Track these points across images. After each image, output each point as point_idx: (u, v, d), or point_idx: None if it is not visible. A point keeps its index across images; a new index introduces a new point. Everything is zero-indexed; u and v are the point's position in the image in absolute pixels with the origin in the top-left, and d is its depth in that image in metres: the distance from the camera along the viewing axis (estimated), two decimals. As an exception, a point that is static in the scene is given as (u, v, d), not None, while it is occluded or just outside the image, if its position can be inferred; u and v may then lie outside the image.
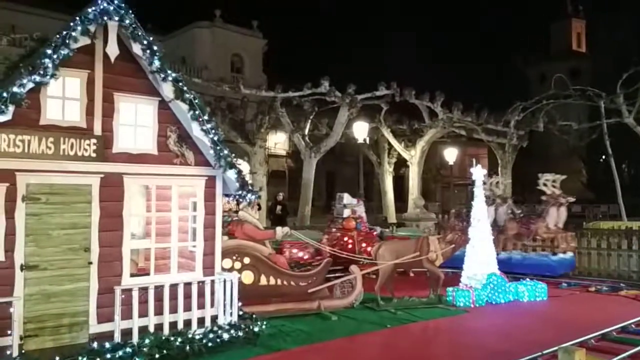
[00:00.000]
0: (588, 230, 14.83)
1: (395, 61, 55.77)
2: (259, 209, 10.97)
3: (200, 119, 6.72)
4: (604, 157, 24.02)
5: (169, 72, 6.65)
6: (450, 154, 27.76)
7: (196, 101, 6.76)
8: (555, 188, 13.31)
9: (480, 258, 10.34)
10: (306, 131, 20.15)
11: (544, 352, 6.23)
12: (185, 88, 6.74)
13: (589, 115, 26.97)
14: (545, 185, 13.42)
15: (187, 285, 6.83)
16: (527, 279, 10.85)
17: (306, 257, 11.65)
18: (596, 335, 7.28)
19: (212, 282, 7.04)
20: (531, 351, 6.34)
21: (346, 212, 13.72)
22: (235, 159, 7.12)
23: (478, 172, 10.75)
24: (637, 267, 12.76)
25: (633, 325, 7.91)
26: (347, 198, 14.40)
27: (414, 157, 23.09)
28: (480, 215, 10.58)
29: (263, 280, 8.60)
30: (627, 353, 6.41)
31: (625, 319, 8.15)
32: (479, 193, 10.72)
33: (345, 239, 12.67)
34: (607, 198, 28.02)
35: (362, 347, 7.23)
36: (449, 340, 7.74)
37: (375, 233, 13.82)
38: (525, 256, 13.17)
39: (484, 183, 13.90)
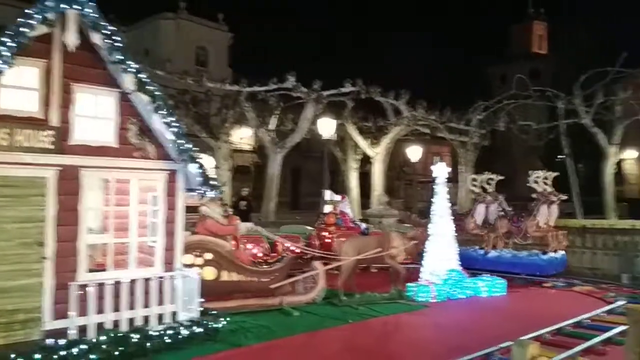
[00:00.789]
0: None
1: (361, 58, 56.06)
2: (222, 204, 10.86)
3: (162, 112, 6.62)
4: (561, 156, 24.69)
5: (130, 63, 6.52)
6: (414, 152, 28.07)
7: (158, 93, 6.65)
8: (547, 185, 12.97)
9: (441, 254, 10.51)
10: (271, 126, 20.04)
11: (501, 345, 6.37)
12: (146, 80, 6.62)
13: (547, 115, 27.67)
14: (536, 182, 13.08)
15: (146, 281, 6.73)
16: (487, 275, 11.08)
17: (260, 254, 11.52)
18: (551, 329, 7.48)
19: (172, 277, 6.95)
20: (489, 345, 6.48)
21: (327, 208, 13.89)
22: (197, 153, 7.03)
23: (440, 170, 10.90)
24: (590, 264, 13.22)
25: (587, 320, 8.16)
26: (329, 195, 14.70)
27: (378, 154, 23.25)
28: (442, 212, 10.74)
29: (225, 276, 8.53)
30: (580, 347, 6.60)
31: (579, 313, 8.41)
32: (441, 190, 10.88)
33: (324, 234, 12.92)
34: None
35: (323, 343, 7.26)
36: (409, 335, 7.85)
37: (361, 229, 13.88)
38: (515, 255, 12.94)
39: (475, 180, 14.09)
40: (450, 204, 11.04)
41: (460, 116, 23.87)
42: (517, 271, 12.29)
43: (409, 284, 10.04)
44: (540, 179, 13.07)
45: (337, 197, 14.65)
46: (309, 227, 14.16)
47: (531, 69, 48.68)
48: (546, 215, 12.71)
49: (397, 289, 10.02)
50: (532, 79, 29.68)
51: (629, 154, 33.72)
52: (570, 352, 6.39)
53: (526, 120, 25.42)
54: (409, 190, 42.76)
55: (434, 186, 11.09)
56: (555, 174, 13.40)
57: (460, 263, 12.53)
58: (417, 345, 7.28)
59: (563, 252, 12.65)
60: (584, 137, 23.75)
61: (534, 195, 13.09)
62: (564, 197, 13.08)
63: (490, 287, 10.45)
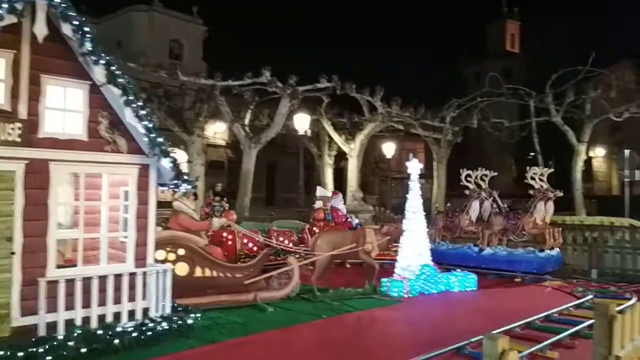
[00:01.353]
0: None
1: (338, 54, 56.09)
2: (195, 198, 10.89)
3: (134, 105, 6.50)
4: (532, 154, 25.14)
5: (101, 55, 6.39)
6: (389, 148, 28.30)
7: (130, 86, 6.53)
8: (543, 182, 12.77)
9: (415, 249, 10.60)
10: (246, 121, 19.89)
11: (472, 339, 6.46)
12: (118, 72, 6.49)
13: (519, 113, 28.12)
14: (533, 179, 12.81)
15: (118, 277, 6.62)
16: (458, 270, 11.22)
17: (255, 248, 11.53)
18: (521, 323, 7.62)
19: (144, 273, 6.86)
20: (460, 339, 6.57)
21: (318, 204, 13.96)
22: (170, 148, 6.93)
23: (413, 166, 10.98)
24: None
25: (556, 315, 8.33)
26: (320, 191, 14.79)
27: (353, 150, 23.31)
28: (415, 208, 10.83)
29: (198, 272, 8.46)
30: (549, 341, 6.74)
31: (549, 308, 8.58)
32: (415, 186, 10.96)
33: (314, 229, 13.08)
34: (534, 193, 29.21)
35: (297, 338, 7.26)
36: (382, 329, 7.90)
37: (353, 224, 13.95)
38: (511, 252, 12.68)
39: (469, 176, 13.81)
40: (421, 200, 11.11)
41: (434, 113, 24.08)
42: (513, 269, 12.14)
43: (382, 279, 10.11)
44: (537, 176, 12.79)
45: (328, 193, 14.68)
46: (302, 223, 14.43)
47: (505, 68, 49.41)
48: (543, 211, 12.45)
49: (371, 284, 10.07)
50: (506, 78, 30.18)
51: (598, 152, 34.56)
52: (539, 345, 6.53)
53: (499, 117, 25.80)
54: (383, 186, 43.03)
55: (408, 182, 11.17)
56: (550, 170, 13.22)
57: (455, 261, 12.69)
58: (390, 339, 7.34)
59: (558, 249, 12.49)
60: (555, 135, 24.22)
61: (530, 192, 12.83)
62: (560, 194, 12.78)
63: (461, 282, 10.58)
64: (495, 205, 13.35)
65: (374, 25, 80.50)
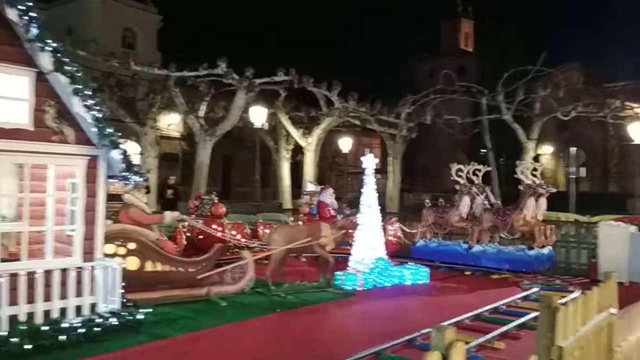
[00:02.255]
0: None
1: (295, 48, 55.89)
2: (147, 192, 10.73)
3: (82, 94, 6.29)
4: (484, 150, 25.80)
5: (48, 41, 6.15)
6: (345, 143, 28.47)
7: (78, 75, 6.31)
8: (536, 177, 12.21)
9: (369, 243, 10.70)
10: (201, 113, 19.60)
11: (422, 331, 6.58)
12: (66, 60, 6.26)
13: (472, 110, 28.78)
14: (523, 173, 12.23)
15: (64, 271, 6.41)
16: (411, 263, 11.40)
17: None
18: (470, 315, 7.81)
19: (92, 268, 6.66)
20: (412, 331, 6.68)
21: (305, 199, 13.96)
22: (121, 139, 6.74)
23: (369, 161, 11.07)
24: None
25: (503, 307, 8.57)
26: (309, 186, 14.73)
27: (310, 144, 23.34)
28: (370, 202, 10.92)
29: (149, 267, 8.28)
30: (497, 332, 6.93)
31: (496, 300, 8.82)
32: (370, 181, 11.06)
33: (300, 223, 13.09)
34: (485, 189, 29.99)
35: (250, 332, 7.22)
36: (335, 323, 7.95)
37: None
38: (500, 250, 12.25)
39: (460, 170, 13.22)
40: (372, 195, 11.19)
41: (390, 109, 24.36)
42: (502, 267, 11.84)
43: (337, 273, 10.17)
44: (528, 170, 12.26)
45: (317, 188, 14.46)
46: (285, 217, 14.79)
47: (459, 66, 50.44)
48: (533, 208, 11.89)
49: (325, 278, 10.11)
50: (459, 75, 30.79)
51: (546, 149, 35.75)
52: (487, 336, 6.71)
53: (452, 114, 26.36)
54: (340, 181, 43.26)
55: (363, 177, 11.26)
56: (542, 165, 12.92)
57: (445, 258, 12.58)
58: (343, 332, 7.39)
59: (550, 247, 12.10)
60: (505, 132, 24.93)
61: (521, 187, 12.34)
62: (553, 190, 12.24)
63: (414, 275, 10.75)
64: (486, 202, 12.83)
65: (332, 20, 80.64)
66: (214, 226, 11.49)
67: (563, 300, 3.30)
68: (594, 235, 12.11)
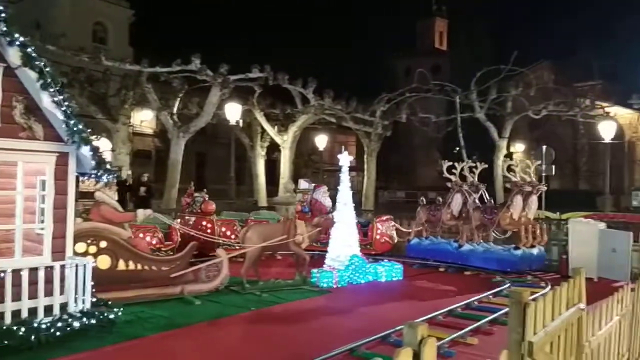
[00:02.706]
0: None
1: (271, 45, 55.62)
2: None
3: (52, 90, 6.14)
4: (457, 148, 26.11)
5: (16, 35, 5.99)
6: (321, 140, 28.50)
7: (47, 69, 6.16)
8: (527, 174, 11.74)
9: (344, 240, 10.73)
10: (175, 109, 19.38)
11: (397, 328, 6.63)
12: (34, 54, 6.11)
13: (446, 109, 29.08)
14: (511, 171, 11.89)
15: (33, 270, 6.26)
16: (386, 260, 11.47)
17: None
18: (443, 312, 7.89)
19: (62, 267, 6.53)
20: (386, 328, 6.72)
21: (298, 197, 13.87)
22: (92, 135, 6.61)
23: (344, 159, 11.09)
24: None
25: (476, 302, 8.69)
26: (302, 183, 14.52)
27: (286, 141, 23.29)
28: (345, 200, 10.95)
29: (121, 265, 8.16)
30: (469, 328, 7.02)
31: (469, 296, 8.94)
32: (345, 178, 11.08)
33: None
34: (459, 186, 30.38)
35: (224, 331, 7.17)
36: (311, 320, 7.94)
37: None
38: (487, 249, 11.92)
39: (453, 167, 12.92)
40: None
41: (365, 107, 24.45)
42: (489, 267, 11.54)
43: (312, 270, 10.17)
44: (517, 167, 11.83)
45: (310, 186, 14.34)
46: (277, 215, 14.89)
47: (433, 64, 50.89)
48: (521, 206, 11.42)
49: (301, 276, 10.11)
50: (434, 74, 31.06)
51: (518, 147, 36.32)
52: (460, 332, 6.79)
53: (427, 113, 26.59)
54: (315, 178, 43.26)
55: (339, 174, 11.27)
56: (537, 162, 12.29)
57: (436, 256, 12.34)
58: (318, 329, 7.40)
59: (542, 247, 11.66)
60: (479, 130, 25.26)
61: (507, 185, 12.15)
62: (544, 187, 11.75)
63: (388, 272, 10.82)
64: (477, 200, 12.43)
65: (307, 18, 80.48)
66: (204, 223, 12.06)
67: (533, 296, 3.35)
68: (565, 232, 12.35)
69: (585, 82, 35.70)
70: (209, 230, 11.99)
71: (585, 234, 11.47)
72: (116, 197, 8.52)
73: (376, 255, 12.93)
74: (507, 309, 7.33)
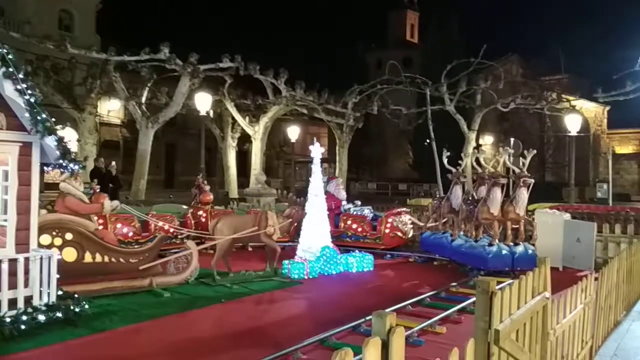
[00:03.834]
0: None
1: (242, 35, 55.13)
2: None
3: (14, 77, 5.96)
4: (428, 140, 26.36)
5: (-24, 21, 5.79)
6: (293, 132, 28.43)
7: (9, 57, 5.98)
8: (516, 166, 10.77)
9: (316, 232, 10.74)
10: (143, 99, 19.04)
11: (367, 318, 6.67)
12: (-5, 41, 5.91)
13: (417, 101, 29.32)
14: (478, 162, 11.23)
15: (-4, 263, 6.09)
16: (357, 251, 11.52)
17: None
18: (413, 301, 7.98)
19: (26, 259, 6.37)
20: (357, 318, 6.76)
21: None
22: (56, 125, 6.44)
23: (316, 150, 11.08)
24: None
25: (443, 292, 8.81)
26: None
27: (257, 132, 23.16)
28: (317, 191, 10.95)
29: (88, 258, 8.01)
30: (438, 317, 7.12)
31: (438, 286, 9.07)
32: (317, 170, 11.08)
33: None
34: (429, 178, 30.82)
35: (193, 323, 7.10)
36: (281, 311, 7.94)
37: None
38: (471, 245, 10.88)
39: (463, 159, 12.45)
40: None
41: (337, 99, 24.47)
42: (468, 262, 10.79)
43: (284, 261, 10.16)
44: (503, 156, 11.00)
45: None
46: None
47: (405, 57, 51.17)
48: (499, 200, 10.45)
49: (272, 267, 10.09)
50: (405, 67, 31.26)
51: (487, 139, 36.89)
52: (429, 321, 6.88)
53: (398, 105, 26.76)
54: (287, 170, 43.21)
55: (311, 166, 11.25)
56: (533, 151, 10.68)
57: (435, 250, 11.82)
58: (289, 320, 7.40)
59: (527, 245, 10.46)
60: (449, 122, 25.55)
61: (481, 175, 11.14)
62: (503, 180, 10.60)
63: (359, 263, 10.88)
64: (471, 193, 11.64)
65: (279, 7, 79.94)
66: (199, 213, 12.74)
67: (500, 286, 3.41)
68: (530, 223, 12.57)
69: (552, 76, 36.42)
70: (203, 220, 12.61)
71: (550, 225, 11.71)
72: (82, 188, 8.33)
73: (385, 249, 12.80)
74: (474, 298, 7.49)
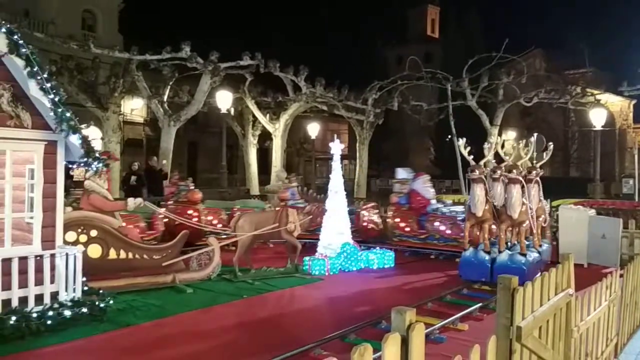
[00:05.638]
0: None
1: (263, 32, 55.28)
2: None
3: (39, 77, 6.07)
4: (449, 136, 26.11)
5: (2, 22, 5.91)
6: (313, 129, 28.44)
7: (34, 57, 6.09)
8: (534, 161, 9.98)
9: (336, 228, 10.74)
10: (165, 98, 19.22)
11: (388, 314, 6.65)
12: (21, 42, 6.03)
13: (438, 96, 29.07)
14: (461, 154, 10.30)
15: (23, 259, 6.23)
16: (377, 248, 11.47)
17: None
18: (434, 298, 7.95)
19: (52, 256, 6.50)
20: (377, 314, 6.76)
21: (396, 187, 13.42)
22: (80, 124, 6.55)
23: (336, 147, 11.07)
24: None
25: (465, 289, 8.74)
26: (400, 173, 13.63)
27: (277, 130, 23.21)
28: (338, 188, 10.95)
29: (112, 254, 8.13)
30: (460, 314, 7.08)
31: (459, 283, 9.00)
32: (337, 167, 11.07)
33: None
34: (451, 174, 30.56)
35: (216, 318, 7.18)
36: (303, 307, 7.97)
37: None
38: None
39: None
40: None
41: (357, 95, 24.38)
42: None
43: (304, 258, 10.19)
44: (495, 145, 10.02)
45: (409, 175, 13.12)
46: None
47: (426, 52, 50.77)
48: (500, 195, 9.13)
49: (293, 263, 10.13)
50: (426, 62, 30.99)
51: (509, 135, 36.45)
52: (451, 318, 6.84)
53: (419, 100, 26.56)
54: (308, 167, 43.26)
55: (331, 163, 11.25)
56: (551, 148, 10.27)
57: None
58: (310, 316, 7.43)
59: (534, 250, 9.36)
60: (470, 118, 25.28)
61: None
62: (538, 172, 9.66)
63: (380, 259, 10.86)
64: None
65: (299, 5, 79.90)
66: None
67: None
68: (555, 219, 12.42)
69: (576, 70, 35.83)
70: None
71: (575, 221, 11.56)
72: (106, 186, 8.45)
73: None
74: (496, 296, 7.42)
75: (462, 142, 10.06)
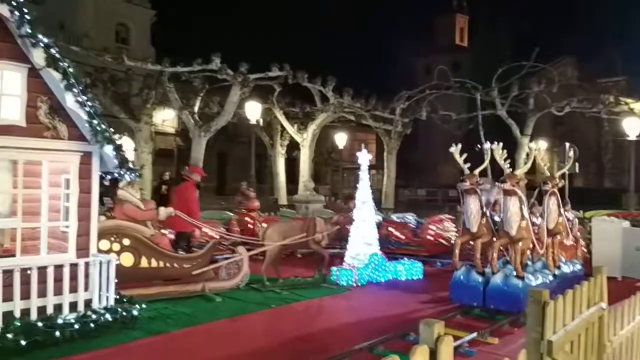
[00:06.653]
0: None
1: (291, 44, 55.75)
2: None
3: (75, 90, 6.26)
4: (479, 146, 25.83)
5: (40, 37, 6.13)
6: (341, 139, 28.49)
7: (70, 70, 6.29)
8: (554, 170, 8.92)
9: (364, 239, 10.71)
10: (196, 109, 19.55)
11: (416, 326, 6.61)
12: (58, 55, 6.24)
13: (467, 106, 28.83)
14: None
15: (58, 267, 6.40)
16: (405, 259, 11.39)
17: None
18: (461, 311, 7.85)
19: (86, 264, 6.66)
20: (405, 326, 6.72)
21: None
22: (114, 134, 6.73)
23: (363, 157, 11.07)
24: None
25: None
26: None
27: (305, 140, 23.33)
28: (365, 198, 10.93)
29: (144, 263, 8.28)
30: (490, 327, 6.98)
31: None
32: (364, 177, 11.06)
33: None
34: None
35: (245, 328, 7.24)
36: (330, 318, 7.98)
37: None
38: None
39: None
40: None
41: (385, 105, 24.36)
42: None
43: (332, 268, 10.19)
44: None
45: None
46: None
47: (454, 61, 50.46)
48: (518, 213, 7.84)
49: (320, 274, 10.14)
50: (454, 71, 30.83)
51: (540, 144, 35.87)
52: (481, 331, 6.75)
53: (447, 110, 26.38)
54: (335, 177, 43.31)
55: (358, 172, 11.26)
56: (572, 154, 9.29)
57: None
58: (337, 327, 7.42)
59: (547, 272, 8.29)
60: (500, 127, 24.98)
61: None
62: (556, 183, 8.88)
63: (408, 270, 10.79)
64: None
65: (327, 15, 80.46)
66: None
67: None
68: (588, 231, 12.15)
69: (609, 78, 35.09)
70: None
71: (608, 233, 11.30)
72: (139, 196, 8.63)
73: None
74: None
75: (495, 147, 9.07)
